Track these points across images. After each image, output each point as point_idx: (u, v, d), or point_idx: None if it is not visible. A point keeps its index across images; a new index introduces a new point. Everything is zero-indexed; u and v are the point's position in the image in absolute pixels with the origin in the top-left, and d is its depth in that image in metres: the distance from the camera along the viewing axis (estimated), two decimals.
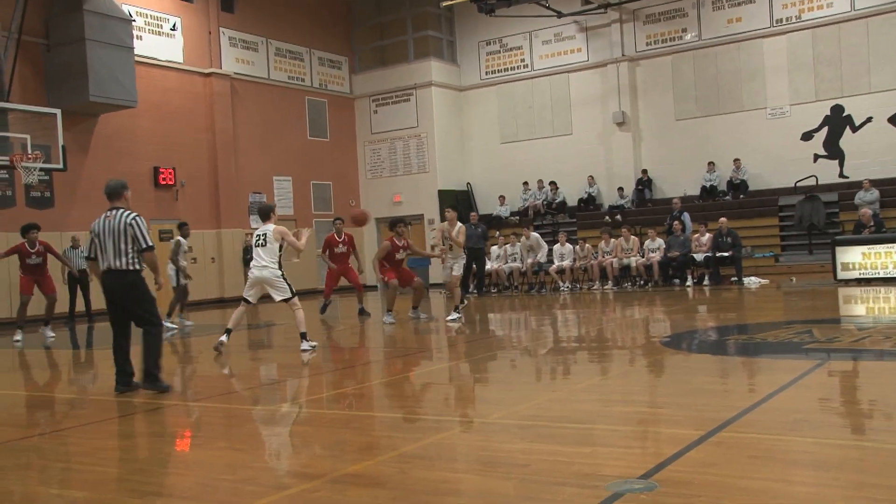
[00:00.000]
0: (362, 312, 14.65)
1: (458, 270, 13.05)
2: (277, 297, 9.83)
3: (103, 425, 6.37)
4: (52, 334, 13.60)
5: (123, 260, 7.35)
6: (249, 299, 10.01)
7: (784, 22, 21.10)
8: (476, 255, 18.22)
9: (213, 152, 21.65)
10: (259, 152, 22.89)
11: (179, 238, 14.19)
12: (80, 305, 17.08)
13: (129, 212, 7.44)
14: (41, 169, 16.15)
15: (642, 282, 18.31)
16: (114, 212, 7.42)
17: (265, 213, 10.05)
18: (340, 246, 14.66)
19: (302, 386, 8.12)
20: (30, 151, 15.74)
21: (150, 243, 7.45)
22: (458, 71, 25.85)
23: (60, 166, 16.54)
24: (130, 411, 6.82)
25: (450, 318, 12.86)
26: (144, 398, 7.25)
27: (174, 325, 13.79)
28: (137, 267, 7.44)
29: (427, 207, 24.63)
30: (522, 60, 24.81)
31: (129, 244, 7.34)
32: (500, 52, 25.20)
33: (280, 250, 9.81)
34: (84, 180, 18.69)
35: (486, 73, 25.44)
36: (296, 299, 9.78)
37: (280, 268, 9.81)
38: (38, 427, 6.71)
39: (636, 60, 22.97)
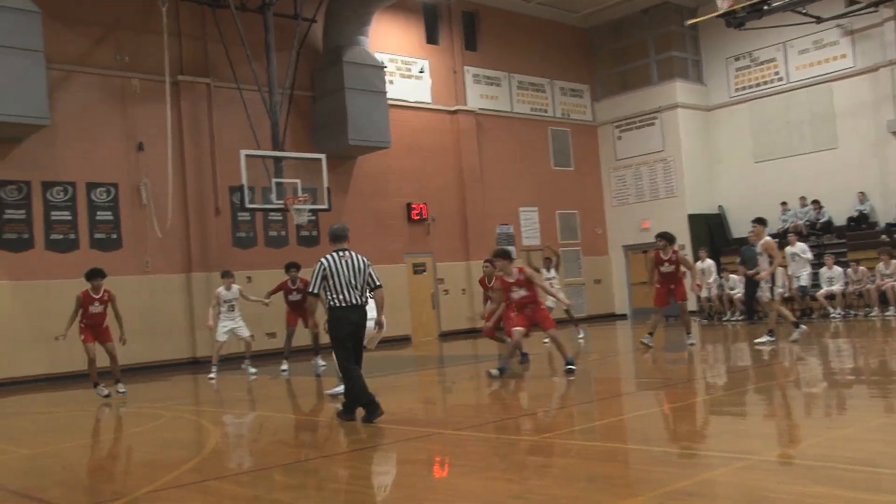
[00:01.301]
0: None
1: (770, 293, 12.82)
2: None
3: (372, 451, 6.62)
4: (323, 363, 14.53)
5: (364, 297, 7.78)
6: None
7: None
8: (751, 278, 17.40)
9: (460, 186, 22.36)
10: (505, 184, 23.32)
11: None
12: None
13: (359, 254, 7.91)
14: (310, 210, 17.49)
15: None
16: (347, 252, 7.82)
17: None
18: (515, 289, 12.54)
19: (559, 416, 7.99)
20: (300, 194, 17.12)
21: (380, 282, 7.97)
22: (705, 90, 24.81)
23: (326, 206, 17.82)
24: (397, 438, 7.04)
25: (759, 340, 12.76)
26: (409, 426, 7.47)
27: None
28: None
29: (677, 232, 23.55)
30: (776, 73, 23.30)
31: (365, 282, 7.77)
32: (750, 66, 23.86)
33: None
34: (345, 219, 20.00)
35: (736, 90, 24.17)
36: None
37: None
38: (316, 450, 7.11)
39: None
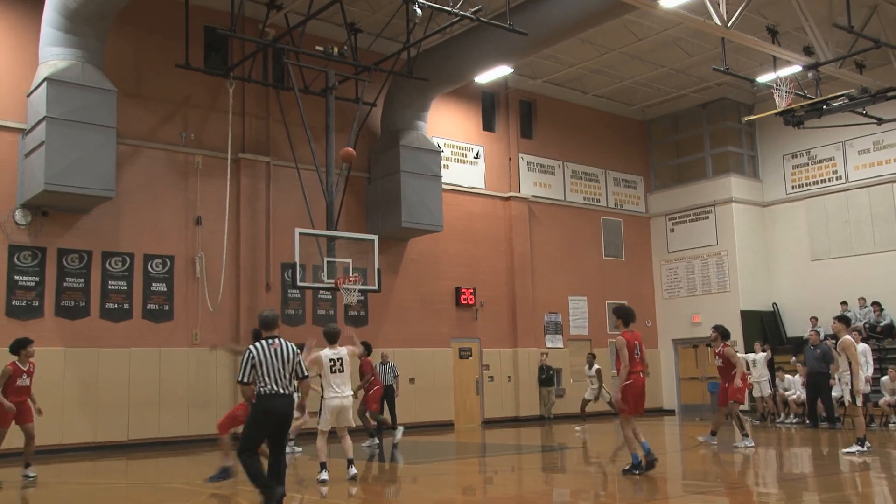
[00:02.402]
0: None
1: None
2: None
3: None
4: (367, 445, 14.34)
5: (292, 385, 7.78)
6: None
7: None
8: (817, 380, 16.90)
9: (510, 273, 22.33)
10: (555, 272, 23.23)
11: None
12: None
13: (289, 342, 7.85)
14: (359, 290, 17.59)
15: None
16: (277, 340, 7.72)
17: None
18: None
19: None
20: (351, 275, 17.27)
21: (308, 373, 8.16)
22: (761, 186, 24.64)
23: (375, 287, 17.91)
24: None
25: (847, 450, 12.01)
26: None
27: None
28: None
29: (730, 328, 23.14)
30: (835, 172, 23.07)
31: (292, 372, 7.74)
32: (808, 164, 23.69)
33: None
34: (394, 300, 20.09)
35: (793, 187, 23.95)
36: None
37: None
38: None
39: None
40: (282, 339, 7.77)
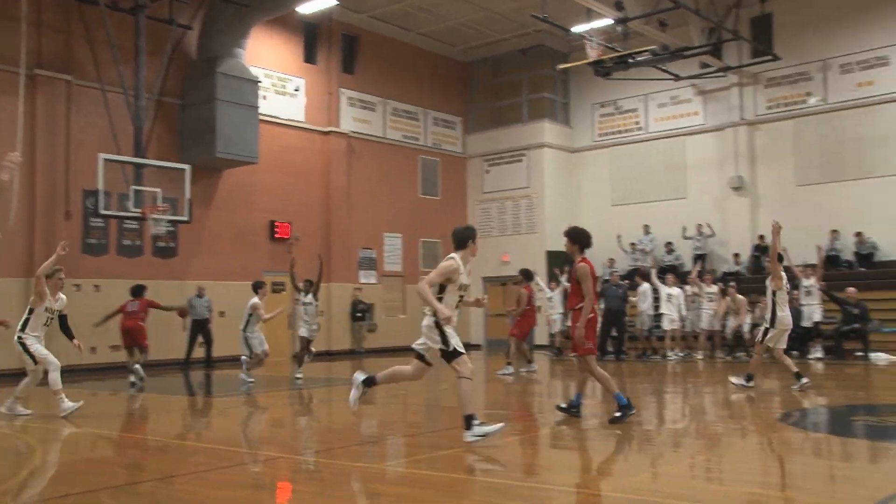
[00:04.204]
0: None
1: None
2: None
3: (212, 474, 6.49)
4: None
5: None
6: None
7: None
8: (616, 317, 18.07)
9: (327, 208, 22.28)
10: (371, 209, 23.41)
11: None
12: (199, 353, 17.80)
13: None
14: (168, 221, 16.97)
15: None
16: None
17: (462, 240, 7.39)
18: None
19: (403, 445, 8.08)
20: (159, 204, 16.60)
21: None
22: (571, 132, 25.86)
23: (186, 218, 17.34)
24: (239, 462, 6.93)
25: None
26: (257, 450, 7.34)
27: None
28: None
29: (535, 268, 24.42)
30: (637, 123, 24.61)
31: None
32: (614, 114, 25.09)
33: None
34: (206, 232, 19.54)
35: (600, 135, 25.34)
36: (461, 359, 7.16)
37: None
38: (152, 472, 6.89)
39: (755, 125, 22.40)
40: None
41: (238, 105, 19.01)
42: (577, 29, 19.75)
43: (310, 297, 14.32)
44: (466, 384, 7.09)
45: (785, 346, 11.31)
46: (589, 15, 19.00)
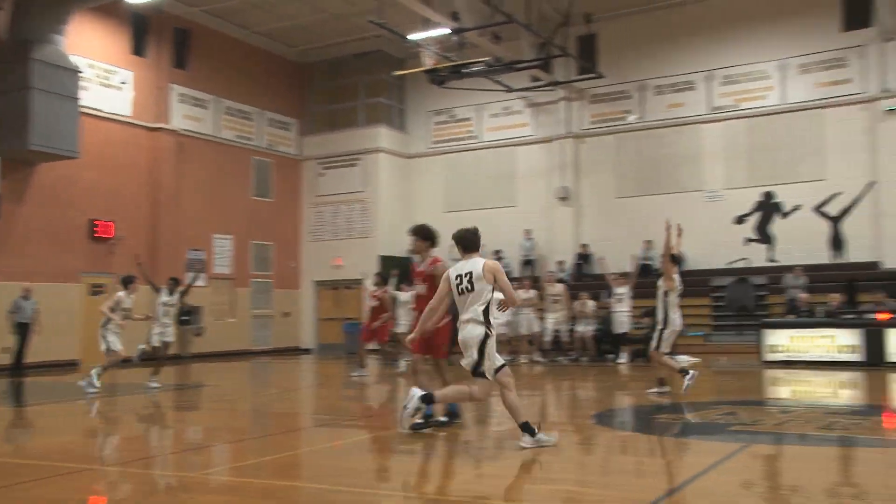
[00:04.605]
0: None
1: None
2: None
3: (11, 490, 6.11)
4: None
5: None
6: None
7: (722, 110, 21.99)
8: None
9: (154, 207, 21.40)
10: (201, 209, 22.69)
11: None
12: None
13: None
14: None
15: (575, 356, 18.42)
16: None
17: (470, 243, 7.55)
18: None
19: (227, 452, 7.93)
20: None
21: None
22: (408, 138, 26.19)
23: None
24: (45, 475, 6.56)
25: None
26: (63, 462, 6.98)
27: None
28: None
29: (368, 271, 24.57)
30: (470, 132, 25.27)
31: None
32: (448, 122, 25.64)
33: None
34: (16, 230, 18.27)
35: (434, 142, 25.81)
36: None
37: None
38: None
39: (581, 138, 23.60)
40: None
41: (56, 95, 17.92)
42: (414, 37, 20.04)
43: (174, 298, 13.73)
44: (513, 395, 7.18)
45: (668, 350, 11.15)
46: (426, 24, 19.35)
